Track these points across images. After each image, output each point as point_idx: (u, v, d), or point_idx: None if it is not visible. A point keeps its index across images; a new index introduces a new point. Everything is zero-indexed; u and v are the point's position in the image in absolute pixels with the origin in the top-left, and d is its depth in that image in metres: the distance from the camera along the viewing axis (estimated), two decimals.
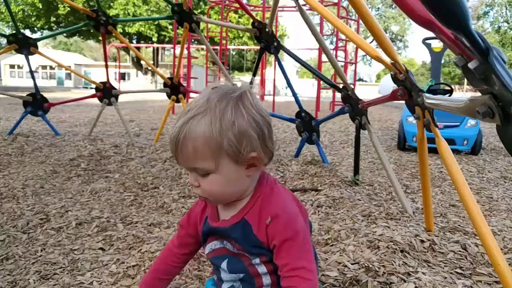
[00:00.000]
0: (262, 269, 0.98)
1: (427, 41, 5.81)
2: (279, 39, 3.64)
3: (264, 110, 0.94)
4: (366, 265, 1.53)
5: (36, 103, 4.98)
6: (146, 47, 28.99)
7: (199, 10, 24.09)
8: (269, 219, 0.93)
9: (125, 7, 25.00)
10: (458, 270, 1.58)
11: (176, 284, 1.49)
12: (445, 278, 1.49)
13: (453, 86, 4.63)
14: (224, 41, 12.58)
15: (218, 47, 12.37)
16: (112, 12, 24.24)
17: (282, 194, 0.99)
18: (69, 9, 24.45)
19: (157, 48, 29.43)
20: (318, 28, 3.32)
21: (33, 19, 26.36)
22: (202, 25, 4.54)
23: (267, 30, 3.54)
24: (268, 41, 3.58)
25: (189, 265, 1.60)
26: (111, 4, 25.15)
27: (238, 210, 0.99)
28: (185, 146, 0.88)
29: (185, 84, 5.63)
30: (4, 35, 4.84)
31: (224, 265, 1.02)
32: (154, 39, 27.97)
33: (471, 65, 0.99)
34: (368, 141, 4.78)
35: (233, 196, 0.97)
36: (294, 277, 0.91)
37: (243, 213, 0.97)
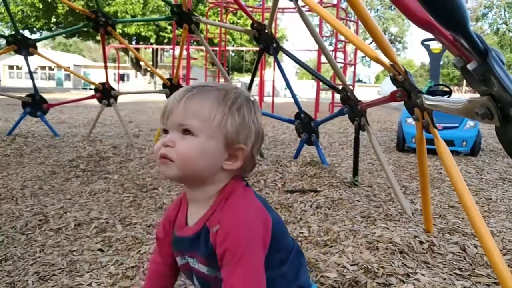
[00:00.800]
0: None
1: (426, 43, 5.82)
2: (278, 41, 3.64)
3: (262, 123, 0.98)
4: (365, 266, 1.53)
5: (35, 104, 4.98)
6: (145, 48, 28.93)
7: (198, 12, 24.09)
8: (217, 226, 0.87)
9: (124, 6, 24.97)
10: (457, 271, 1.58)
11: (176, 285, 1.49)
12: (444, 279, 1.49)
13: (452, 87, 4.64)
14: (223, 42, 12.59)
15: (217, 48, 12.38)
16: (111, 10, 24.20)
17: (239, 199, 0.90)
18: (68, 8, 24.43)
19: (156, 49, 29.42)
20: (317, 30, 3.31)
21: (32, 19, 26.33)
22: (201, 26, 4.54)
23: (266, 31, 3.54)
24: (267, 42, 3.59)
25: None
26: (110, 1, 25.10)
27: (202, 215, 0.92)
28: (193, 100, 0.88)
29: (184, 85, 5.63)
30: (3, 36, 4.84)
31: (195, 281, 0.98)
32: (152, 40, 27.94)
33: (470, 66, 0.99)
34: (367, 142, 4.78)
35: (197, 173, 0.88)
36: None
37: (205, 219, 0.91)
